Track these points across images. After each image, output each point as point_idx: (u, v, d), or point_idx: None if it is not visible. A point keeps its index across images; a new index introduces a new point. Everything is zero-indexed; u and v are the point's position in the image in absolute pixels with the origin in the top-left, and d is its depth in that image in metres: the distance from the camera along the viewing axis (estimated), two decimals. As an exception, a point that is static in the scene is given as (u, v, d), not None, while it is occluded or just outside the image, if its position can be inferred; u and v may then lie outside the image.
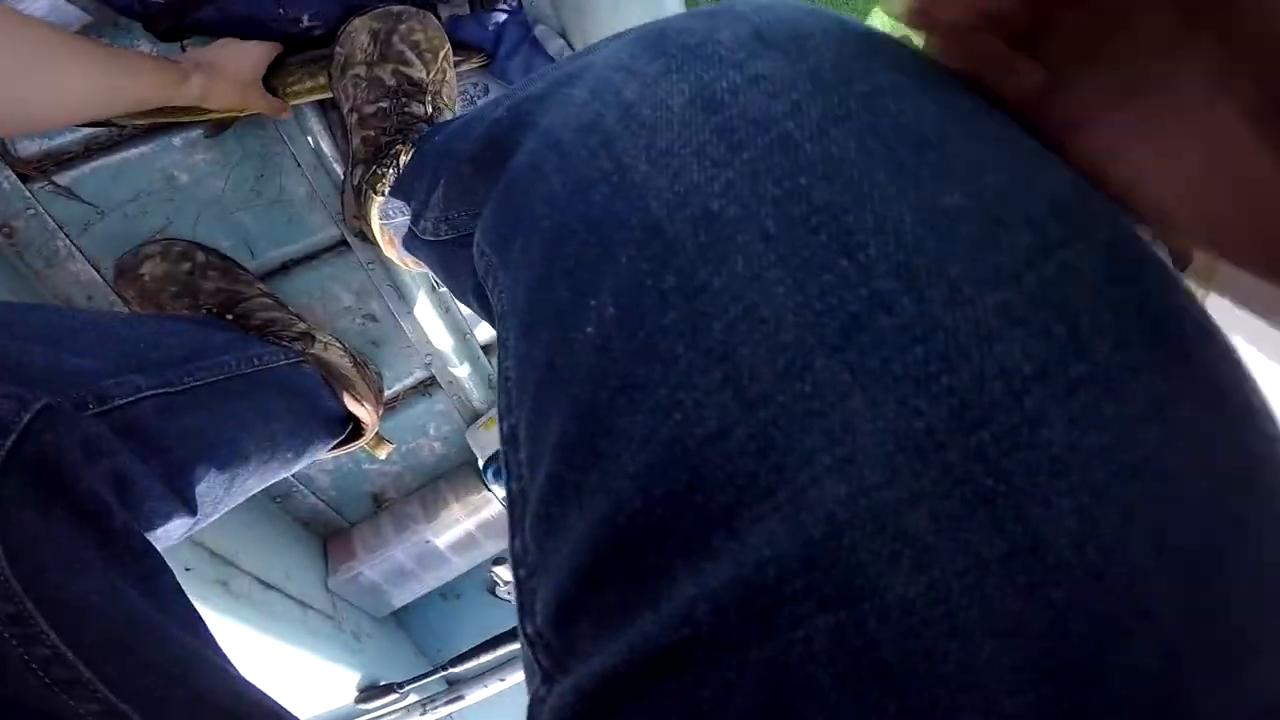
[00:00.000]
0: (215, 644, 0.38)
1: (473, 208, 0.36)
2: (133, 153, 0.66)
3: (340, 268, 0.75)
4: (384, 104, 0.58)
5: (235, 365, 0.53)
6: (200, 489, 0.47)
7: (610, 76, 0.23)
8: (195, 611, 0.39)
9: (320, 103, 0.69)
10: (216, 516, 0.51)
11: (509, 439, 0.23)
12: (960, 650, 0.14)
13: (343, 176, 0.70)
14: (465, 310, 0.84)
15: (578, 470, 0.19)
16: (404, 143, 0.55)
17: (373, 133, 0.58)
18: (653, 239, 0.19)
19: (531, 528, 0.21)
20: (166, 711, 0.29)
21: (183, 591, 0.39)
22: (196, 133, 0.67)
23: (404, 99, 0.58)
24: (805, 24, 0.21)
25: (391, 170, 0.54)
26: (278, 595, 0.79)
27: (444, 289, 0.81)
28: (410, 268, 0.63)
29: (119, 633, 0.30)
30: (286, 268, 0.74)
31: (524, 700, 0.21)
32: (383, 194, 0.55)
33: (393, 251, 0.60)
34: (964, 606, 0.14)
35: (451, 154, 0.39)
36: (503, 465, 0.24)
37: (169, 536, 0.45)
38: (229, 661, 0.37)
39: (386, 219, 0.55)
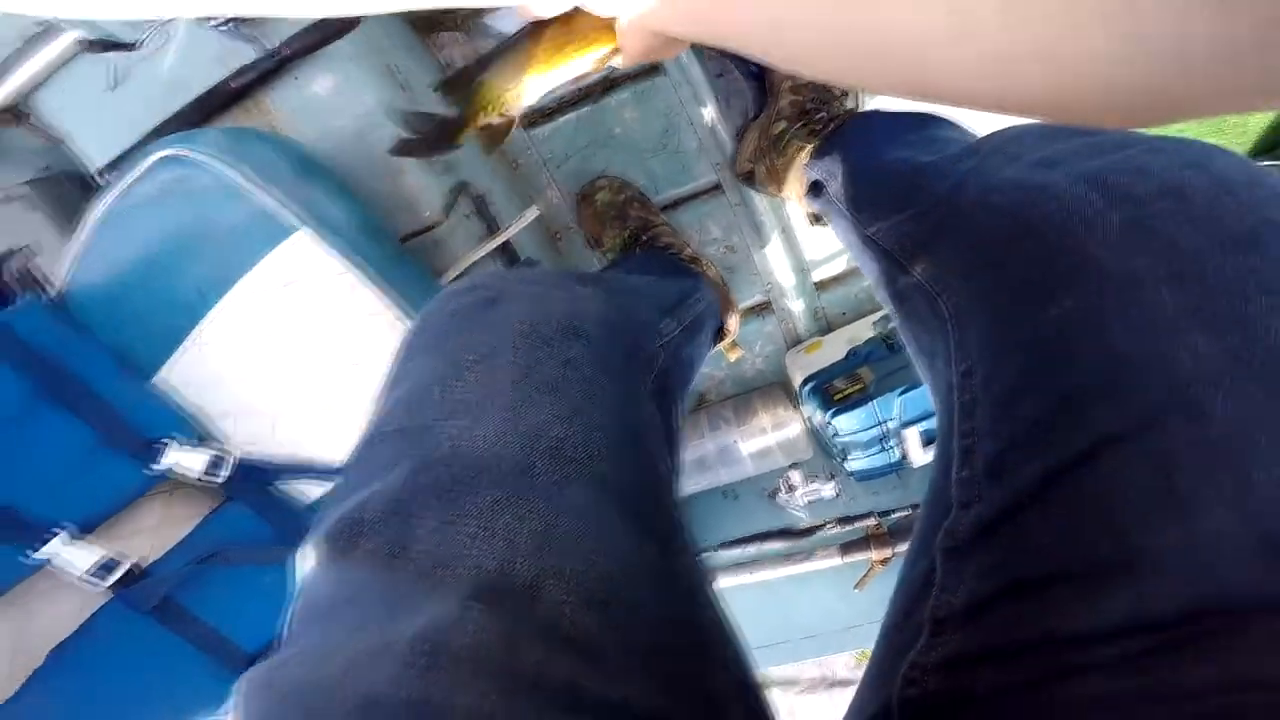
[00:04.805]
0: None
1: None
2: (585, 110, 0.90)
3: (714, 207, 0.94)
4: None
5: (701, 306, 0.68)
6: (679, 409, 0.51)
7: None
8: None
9: (710, 72, 0.86)
10: None
11: None
12: None
13: (740, 126, 0.87)
14: (807, 252, 0.98)
15: None
16: (828, 112, 0.70)
17: (800, 98, 0.73)
18: None
19: None
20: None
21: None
22: (627, 94, 0.88)
23: None
24: None
25: (816, 137, 0.69)
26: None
27: (794, 230, 0.95)
28: (803, 207, 0.77)
29: None
30: (675, 204, 0.95)
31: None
32: (808, 149, 0.70)
33: (794, 190, 0.75)
34: None
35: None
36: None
37: None
38: None
39: (808, 169, 0.70)
